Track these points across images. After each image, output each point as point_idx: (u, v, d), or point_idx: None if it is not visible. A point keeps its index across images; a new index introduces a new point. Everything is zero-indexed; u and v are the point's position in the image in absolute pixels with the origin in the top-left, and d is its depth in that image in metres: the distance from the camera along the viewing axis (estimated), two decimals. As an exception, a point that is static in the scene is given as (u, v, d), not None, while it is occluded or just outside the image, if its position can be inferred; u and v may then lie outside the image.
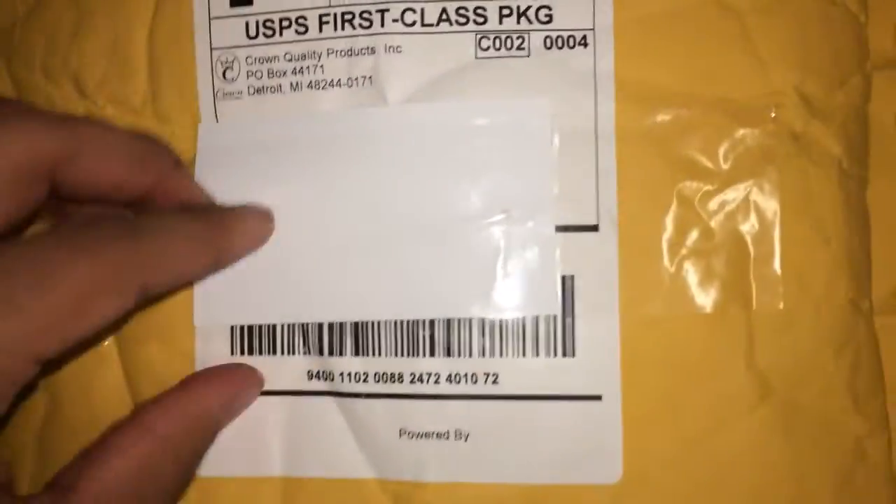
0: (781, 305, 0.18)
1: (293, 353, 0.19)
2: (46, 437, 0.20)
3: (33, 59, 0.20)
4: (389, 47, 0.18)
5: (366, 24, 0.18)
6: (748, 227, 0.18)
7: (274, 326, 0.18)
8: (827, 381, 0.18)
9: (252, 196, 0.18)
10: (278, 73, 0.18)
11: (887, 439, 0.18)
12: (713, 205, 0.18)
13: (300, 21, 0.18)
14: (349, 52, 0.18)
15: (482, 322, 0.18)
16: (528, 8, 0.18)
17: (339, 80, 0.18)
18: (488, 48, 0.18)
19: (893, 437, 0.19)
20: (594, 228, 0.18)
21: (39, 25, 0.20)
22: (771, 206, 0.18)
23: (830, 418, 0.18)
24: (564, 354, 0.18)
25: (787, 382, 0.18)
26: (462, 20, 0.18)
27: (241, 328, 0.19)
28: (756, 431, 0.18)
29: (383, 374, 0.18)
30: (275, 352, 0.19)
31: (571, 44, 0.18)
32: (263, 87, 0.18)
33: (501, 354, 0.18)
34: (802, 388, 0.18)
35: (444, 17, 0.18)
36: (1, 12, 0.20)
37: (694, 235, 0.18)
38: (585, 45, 0.18)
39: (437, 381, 0.18)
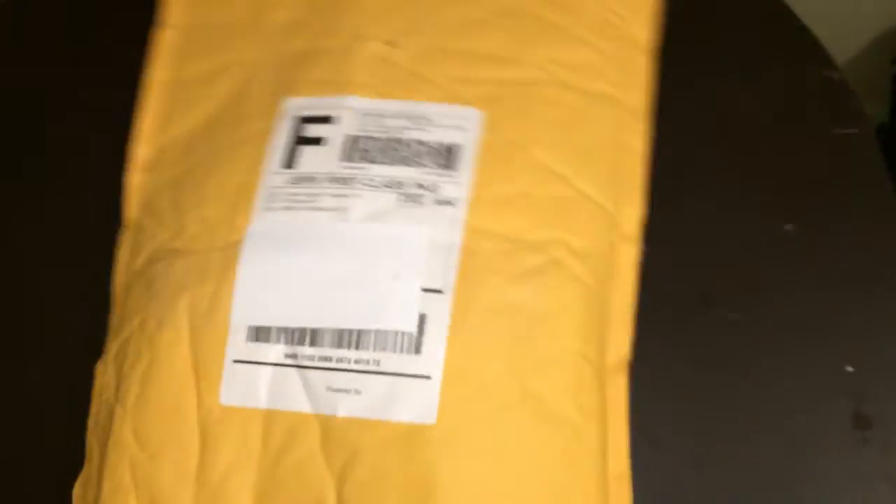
0: None
1: (278, 342, 0.34)
2: None
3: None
4: (356, 194, 0.36)
5: (345, 183, 0.36)
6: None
7: (270, 327, 0.35)
8: None
9: (269, 254, 0.35)
10: (298, 201, 0.36)
11: None
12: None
13: (314, 179, 0.36)
14: (335, 195, 0.36)
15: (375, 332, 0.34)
16: (425, 185, 0.36)
17: (327, 207, 0.36)
18: (403, 201, 0.35)
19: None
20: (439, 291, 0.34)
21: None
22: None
23: None
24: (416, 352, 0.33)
25: None
26: (392, 186, 0.36)
27: (254, 327, 0.35)
28: None
29: (324, 357, 0.34)
30: (268, 341, 0.35)
31: (445, 203, 0.35)
32: (289, 207, 0.36)
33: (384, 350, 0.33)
34: None
35: (385, 183, 0.36)
36: None
37: None
38: (452, 204, 0.35)
39: (348, 362, 0.34)
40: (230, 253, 0.36)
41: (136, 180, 0.41)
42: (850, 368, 0.38)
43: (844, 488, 0.36)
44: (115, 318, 0.39)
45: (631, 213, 0.38)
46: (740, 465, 0.37)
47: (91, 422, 0.37)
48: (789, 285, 0.39)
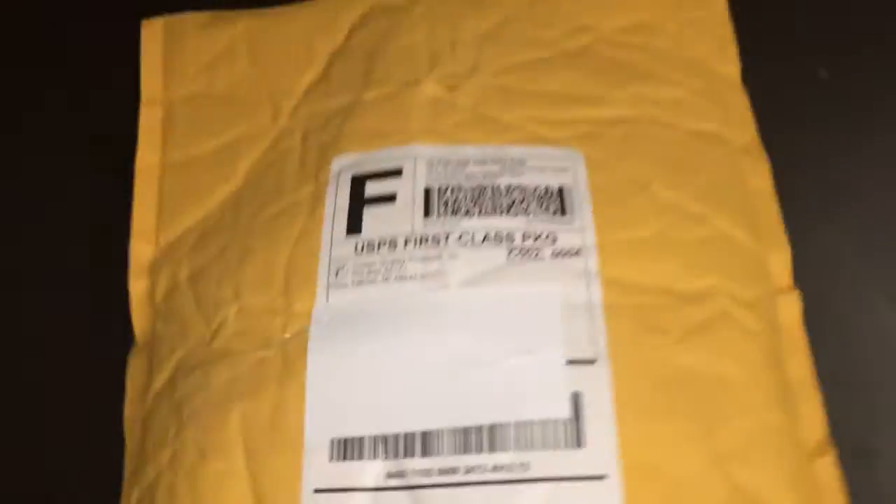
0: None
1: (375, 457, 0.25)
2: None
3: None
4: (451, 255, 0.28)
5: (434, 242, 0.28)
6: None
7: (362, 437, 0.25)
8: None
9: (346, 343, 0.26)
10: (374, 272, 0.28)
11: None
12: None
13: (392, 242, 0.28)
14: (423, 258, 0.28)
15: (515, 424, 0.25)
16: (539, 236, 0.28)
17: (416, 275, 0.27)
18: (515, 257, 0.28)
19: None
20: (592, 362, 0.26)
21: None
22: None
23: None
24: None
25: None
26: (498, 240, 0.28)
27: (339, 440, 0.25)
28: None
29: (445, 469, 0.25)
30: (361, 457, 0.25)
31: (569, 255, 0.28)
32: (363, 280, 0.28)
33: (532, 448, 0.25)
34: None
35: (486, 237, 0.28)
36: None
37: None
38: (578, 254, 0.28)
39: (483, 472, 0.24)
40: (292, 348, 0.27)
41: (140, 288, 0.32)
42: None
43: None
44: (130, 462, 0.29)
45: (780, 260, 0.31)
46: None
47: None
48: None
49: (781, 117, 0.34)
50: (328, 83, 0.34)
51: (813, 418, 0.27)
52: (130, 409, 0.30)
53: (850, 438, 0.28)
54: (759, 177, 0.32)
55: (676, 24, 0.35)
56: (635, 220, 0.29)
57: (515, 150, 0.30)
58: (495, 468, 0.25)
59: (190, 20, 0.36)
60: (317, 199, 0.30)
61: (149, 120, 0.35)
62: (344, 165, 0.30)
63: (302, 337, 0.27)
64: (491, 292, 0.27)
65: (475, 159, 0.30)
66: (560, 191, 0.29)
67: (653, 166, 0.30)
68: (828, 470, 0.27)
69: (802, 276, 0.31)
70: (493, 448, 0.25)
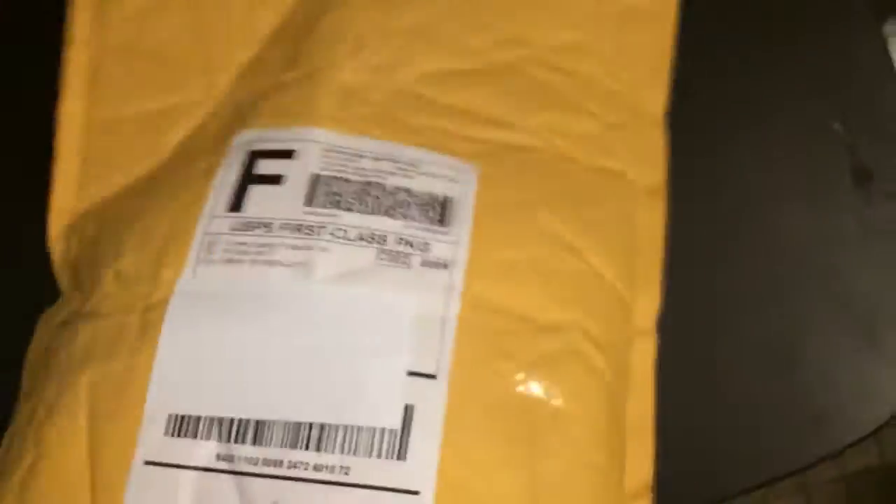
0: None
1: (208, 438, 0.26)
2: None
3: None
4: (322, 247, 0.28)
5: (308, 232, 0.28)
6: None
7: (199, 417, 0.26)
8: None
9: (202, 320, 0.27)
10: (244, 252, 0.28)
11: None
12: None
13: (268, 225, 0.28)
14: (294, 247, 0.28)
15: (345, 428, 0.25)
16: (412, 242, 0.28)
17: (284, 262, 0.28)
18: (383, 260, 0.28)
19: None
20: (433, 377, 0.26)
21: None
22: None
23: None
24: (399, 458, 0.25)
25: None
26: (370, 240, 0.28)
27: (176, 416, 0.26)
28: None
29: (272, 460, 0.25)
30: (195, 436, 0.26)
31: (437, 266, 0.28)
32: (232, 259, 0.28)
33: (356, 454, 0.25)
34: None
35: (360, 236, 0.28)
36: None
37: None
38: (445, 267, 0.28)
39: (305, 469, 0.25)
40: (151, 317, 0.27)
41: (60, 247, 0.32)
42: (836, 125, 0.36)
43: (861, 244, 0.35)
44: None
45: (647, 304, 0.31)
46: (753, 246, 0.34)
47: None
48: (756, 57, 0.37)
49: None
50: (262, 64, 0.33)
51: (640, 462, 0.28)
52: (28, 357, 0.31)
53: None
54: (652, 219, 0.32)
55: (613, 47, 0.34)
56: (511, 242, 0.29)
57: (412, 152, 0.30)
58: (317, 467, 0.25)
59: None
60: (210, 172, 0.30)
61: (76, 64, 0.34)
62: (244, 140, 0.30)
63: (163, 307, 0.27)
64: (351, 292, 0.27)
65: (371, 154, 0.30)
66: (445, 200, 0.29)
67: (544, 194, 0.30)
68: None
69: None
70: (319, 447, 0.25)
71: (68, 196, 0.33)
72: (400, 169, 0.30)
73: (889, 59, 0.37)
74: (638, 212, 0.32)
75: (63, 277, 0.32)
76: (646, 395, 0.29)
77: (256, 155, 0.30)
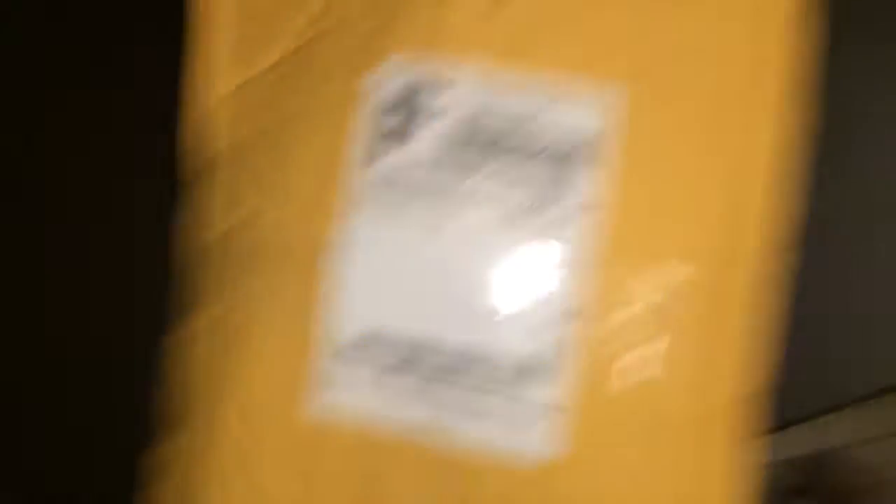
0: None
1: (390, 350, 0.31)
2: None
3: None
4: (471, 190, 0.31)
5: (463, 172, 0.31)
6: None
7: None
8: None
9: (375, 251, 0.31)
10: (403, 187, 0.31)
11: None
12: None
13: (424, 163, 0.31)
14: (446, 188, 0.31)
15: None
16: (561, 182, 0.31)
17: (442, 196, 0.31)
18: (535, 205, 0.31)
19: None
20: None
21: None
22: None
23: None
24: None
25: None
26: (522, 185, 0.31)
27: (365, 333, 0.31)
28: None
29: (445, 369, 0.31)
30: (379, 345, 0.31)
31: (586, 208, 0.31)
32: (389, 201, 0.31)
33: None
34: None
35: (510, 183, 0.31)
36: None
37: None
38: (587, 212, 0.31)
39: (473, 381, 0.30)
40: (327, 254, 0.31)
41: (225, 107, 0.35)
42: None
43: None
44: (203, 288, 0.35)
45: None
46: None
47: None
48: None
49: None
50: None
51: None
52: (207, 229, 0.35)
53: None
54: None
55: None
56: (656, 183, 0.31)
57: (561, 77, 0.31)
58: (483, 382, 0.30)
59: None
60: (352, 107, 0.32)
61: None
62: (389, 71, 0.32)
63: (325, 256, 0.31)
64: (511, 235, 0.31)
65: (516, 91, 0.31)
66: (591, 139, 0.31)
67: (688, 122, 0.31)
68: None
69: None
70: (485, 366, 0.30)
71: (233, 59, 0.35)
72: (544, 105, 0.31)
73: None
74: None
75: (223, 136, 0.35)
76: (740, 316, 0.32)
77: (408, 95, 0.32)
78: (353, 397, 0.31)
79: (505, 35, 0.32)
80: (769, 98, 0.32)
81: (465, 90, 0.31)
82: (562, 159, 0.31)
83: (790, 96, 0.32)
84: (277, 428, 0.32)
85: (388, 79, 0.32)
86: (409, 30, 0.32)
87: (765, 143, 0.32)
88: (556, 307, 0.30)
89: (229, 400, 0.32)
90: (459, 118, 0.31)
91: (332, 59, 0.34)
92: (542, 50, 0.32)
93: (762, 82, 0.32)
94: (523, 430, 0.30)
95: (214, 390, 0.33)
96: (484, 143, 0.31)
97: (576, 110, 0.31)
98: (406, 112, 0.32)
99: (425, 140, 0.31)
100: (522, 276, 0.30)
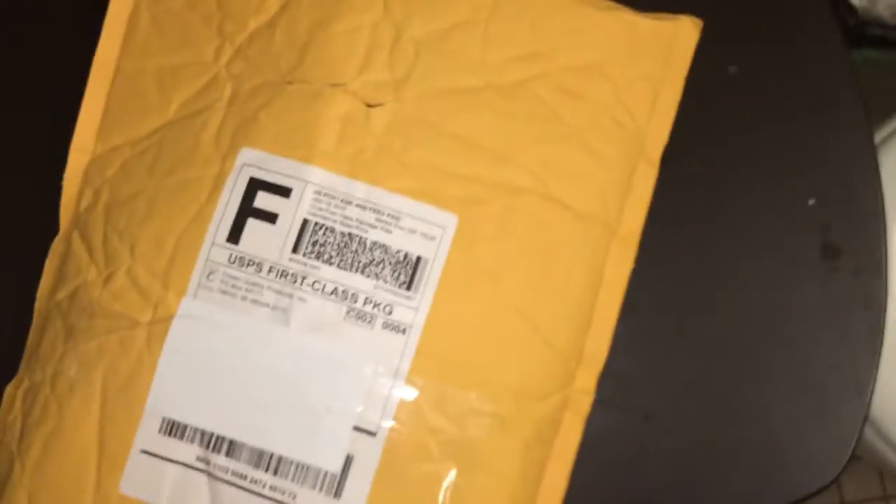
0: None
1: (192, 442, 0.32)
2: None
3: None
4: (300, 297, 0.32)
5: (292, 280, 0.32)
6: None
7: (186, 424, 0.32)
8: None
9: (196, 344, 0.32)
10: (237, 287, 0.32)
11: None
12: None
13: (259, 266, 0.32)
14: (278, 292, 0.32)
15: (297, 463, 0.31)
16: (379, 304, 0.31)
17: (268, 304, 0.32)
18: (351, 317, 0.32)
19: None
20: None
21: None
22: None
23: None
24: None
25: None
26: (343, 297, 0.32)
27: (169, 420, 0.32)
28: None
29: (238, 472, 0.31)
30: (182, 438, 0.32)
31: (396, 330, 0.31)
32: (226, 291, 0.32)
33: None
34: None
35: (335, 291, 0.32)
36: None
37: None
38: (404, 333, 0.31)
39: (263, 486, 0.31)
40: (157, 329, 0.32)
41: (70, 190, 0.36)
42: (812, 202, 0.38)
43: (822, 316, 0.37)
44: (32, 340, 0.36)
45: (591, 365, 0.34)
46: (720, 310, 0.37)
47: None
48: (742, 129, 0.39)
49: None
50: (271, 35, 0.35)
51: None
52: (40, 297, 0.36)
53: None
54: (620, 267, 0.34)
55: (628, 74, 0.34)
56: (468, 313, 0.32)
57: (397, 202, 0.33)
58: (272, 487, 0.31)
59: None
60: (217, 186, 0.33)
61: (118, 9, 0.36)
62: (248, 160, 0.33)
63: (167, 323, 0.32)
64: (319, 344, 0.32)
65: (358, 201, 0.32)
66: (417, 261, 0.32)
67: (514, 256, 0.33)
68: None
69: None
70: (276, 472, 0.31)
71: (89, 137, 0.36)
72: (381, 221, 0.32)
73: (871, 145, 0.38)
74: (608, 262, 0.34)
75: (66, 219, 0.36)
76: (568, 456, 0.34)
77: (256, 185, 0.33)
78: (147, 491, 0.32)
79: (358, 150, 0.33)
80: (592, 244, 0.34)
81: (308, 194, 0.32)
82: (385, 276, 0.32)
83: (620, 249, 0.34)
84: None
85: (242, 169, 0.33)
86: (273, 126, 0.34)
87: (581, 287, 0.33)
88: (350, 420, 0.31)
89: (18, 483, 0.33)
90: (300, 220, 0.32)
91: (199, 138, 0.34)
92: (388, 171, 0.33)
93: (590, 231, 0.33)
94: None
95: (12, 470, 0.34)
96: (316, 250, 0.32)
97: (405, 232, 0.32)
98: (247, 209, 0.33)
99: (265, 237, 0.32)
100: (324, 385, 0.31)
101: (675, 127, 0.36)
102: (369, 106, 0.33)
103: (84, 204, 0.36)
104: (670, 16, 0.35)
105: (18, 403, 0.35)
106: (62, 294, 0.35)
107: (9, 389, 0.35)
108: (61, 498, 0.33)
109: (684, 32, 0.35)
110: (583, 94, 0.34)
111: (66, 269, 0.35)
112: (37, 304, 0.36)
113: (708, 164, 0.38)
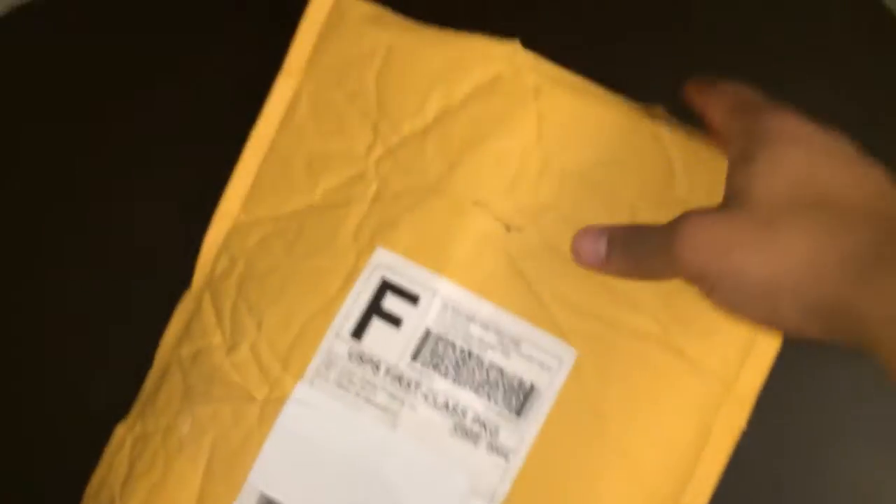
0: None
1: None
2: None
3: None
4: (411, 405, 0.33)
5: (406, 386, 0.33)
6: None
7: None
8: None
9: (304, 428, 0.33)
10: (353, 383, 0.33)
11: None
12: None
13: (376, 366, 0.33)
14: (391, 395, 0.33)
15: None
16: (486, 424, 0.32)
17: (379, 405, 0.33)
18: (458, 433, 0.32)
19: None
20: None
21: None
22: None
23: None
24: None
25: None
26: (453, 412, 0.33)
27: (267, 497, 0.33)
28: None
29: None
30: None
31: (500, 454, 0.32)
32: (342, 384, 0.33)
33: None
34: None
35: (446, 404, 0.33)
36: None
37: None
38: (507, 458, 0.32)
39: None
40: (270, 409, 0.34)
41: (208, 253, 0.38)
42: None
43: None
44: (149, 386, 0.38)
45: None
46: None
47: (93, 485, 0.37)
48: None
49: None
50: (423, 142, 0.36)
51: None
52: (164, 346, 0.38)
53: None
54: (729, 424, 0.35)
55: None
56: (571, 450, 0.33)
57: (520, 328, 0.34)
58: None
59: (357, 8, 0.38)
60: (349, 279, 0.35)
61: (281, 93, 0.38)
62: (382, 262, 0.35)
63: (280, 405, 0.34)
64: (423, 454, 0.33)
65: (482, 321, 0.33)
66: (530, 389, 0.33)
67: (626, 399, 0.33)
68: None
69: None
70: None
71: (235, 205, 0.38)
72: (502, 343, 0.33)
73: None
74: (719, 419, 0.35)
75: (200, 278, 0.38)
76: None
77: (387, 287, 0.34)
78: None
79: (491, 270, 0.34)
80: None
81: (436, 305, 0.34)
82: (496, 398, 0.33)
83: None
84: None
85: (376, 268, 0.34)
86: (412, 232, 0.35)
87: (688, 440, 0.34)
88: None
89: None
90: (423, 330, 0.34)
91: (338, 229, 0.36)
92: (516, 295, 0.34)
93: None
94: None
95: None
96: (434, 361, 0.33)
97: (524, 358, 0.33)
98: (374, 308, 0.34)
99: (387, 339, 0.34)
100: (420, 494, 0.32)
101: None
102: (508, 228, 0.35)
103: (219, 269, 0.38)
104: None
105: (128, 448, 0.36)
106: (185, 350, 0.37)
107: (120, 430, 0.37)
108: None
109: None
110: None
111: (193, 327, 0.37)
112: (159, 352, 0.38)
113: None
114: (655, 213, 0.35)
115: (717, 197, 0.34)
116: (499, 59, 0.36)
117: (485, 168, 0.35)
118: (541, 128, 0.35)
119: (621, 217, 0.35)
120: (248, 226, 0.38)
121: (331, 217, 0.36)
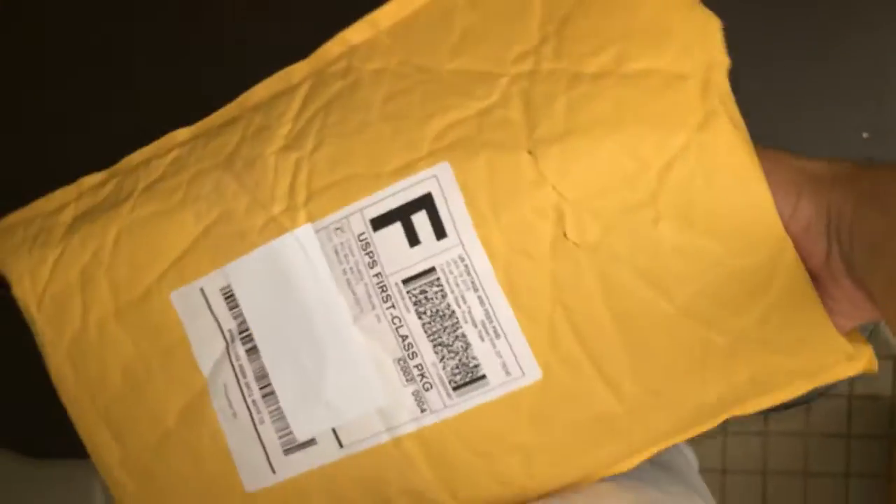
0: None
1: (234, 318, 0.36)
2: None
3: None
4: (376, 315, 0.34)
5: (384, 299, 0.34)
6: None
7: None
8: None
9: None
10: (348, 265, 0.34)
11: None
12: None
13: (374, 264, 0.34)
14: (369, 296, 0.34)
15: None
16: None
17: (355, 295, 0.34)
18: (399, 363, 0.34)
19: None
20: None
21: None
22: None
23: None
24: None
25: None
26: None
27: (229, 291, 0.36)
28: None
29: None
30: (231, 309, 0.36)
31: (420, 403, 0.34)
32: (337, 253, 0.34)
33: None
34: None
35: None
36: None
37: None
38: (423, 411, 0.34)
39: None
40: (273, 227, 0.35)
41: (344, 41, 0.37)
42: (865, 135, 0.41)
43: None
44: (215, 119, 0.39)
45: None
46: None
47: (132, 160, 0.39)
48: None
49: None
50: (567, 88, 0.33)
51: None
52: (252, 93, 0.38)
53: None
54: None
55: None
56: (479, 442, 0.35)
57: (511, 327, 0.33)
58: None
59: None
60: (408, 168, 0.34)
61: None
62: (440, 176, 0.33)
63: (282, 230, 0.35)
64: (363, 357, 0.34)
65: (483, 296, 0.34)
66: (480, 378, 0.34)
67: (556, 446, 0.35)
68: None
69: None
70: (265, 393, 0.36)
71: (386, 22, 0.37)
72: (484, 326, 0.33)
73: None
74: None
75: (310, 64, 0.38)
76: None
77: (426, 204, 0.33)
78: (187, 316, 0.36)
79: (523, 268, 0.33)
80: None
81: (454, 252, 0.33)
82: (447, 365, 0.34)
83: None
84: None
85: (428, 178, 0.34)
86: (489, 171, 0.33)
87: None
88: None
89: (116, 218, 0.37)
90: (429, 266, 0.34)
91: (431, 120, 0.34)
92: (528, 299, 0.33)
93: None
94: None
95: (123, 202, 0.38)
96: (418, 297, 0.34)
97: (493, 351, 0.34)
98: (404, 211, 0.34)
99: (396, 247, 0.34)
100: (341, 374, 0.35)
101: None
102: (566, 235, 0.32)
103: (332, 69, 0.37)
104: None
105: (169, 159, 0.38)
106: (258, 118, 0.37)
107: (182, 133, 0.39)
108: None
109: None
110: None
111: (278, 103, 0.37)
112: (240, 99, 0.39)
113: (763, 87, 0.39)
114: None
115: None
116: (698, 59, 0.31)
117: (593, 159, 0.32)
118: (681, 167, 0.31)
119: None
120: (381, 49, 0.36)
121: (438, 95, 0.34)
